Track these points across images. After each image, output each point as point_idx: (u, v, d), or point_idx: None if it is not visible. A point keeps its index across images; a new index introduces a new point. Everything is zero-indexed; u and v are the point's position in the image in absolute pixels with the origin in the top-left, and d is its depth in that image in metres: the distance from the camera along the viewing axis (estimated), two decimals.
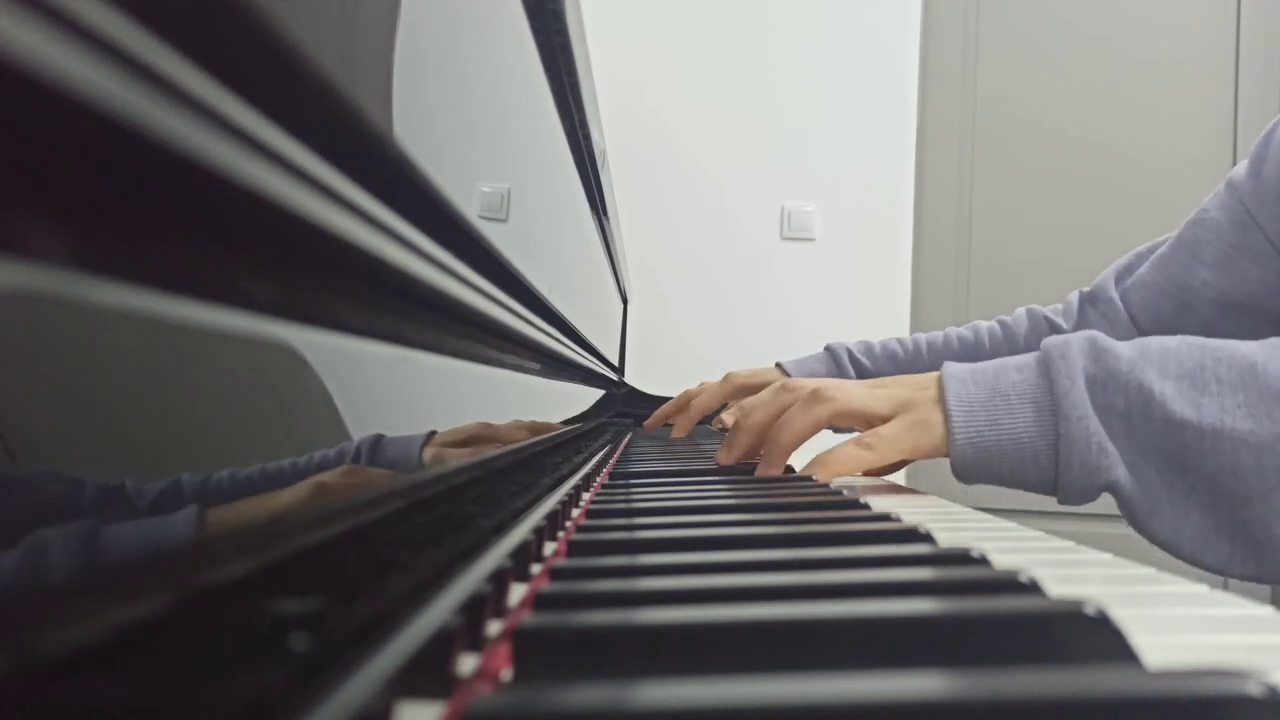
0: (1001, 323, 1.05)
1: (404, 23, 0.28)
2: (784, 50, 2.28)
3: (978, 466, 0.60)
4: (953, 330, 1.07)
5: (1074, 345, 0.59)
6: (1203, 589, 0.31)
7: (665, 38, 2.27)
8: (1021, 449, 0.59)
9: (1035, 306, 1.05)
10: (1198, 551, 0.57)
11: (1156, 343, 0.59)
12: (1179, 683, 0.16)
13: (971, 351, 1.03)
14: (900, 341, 1.08)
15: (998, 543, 0.41)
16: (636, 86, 2.22)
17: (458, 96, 0.37)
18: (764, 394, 0.70)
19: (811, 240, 2.28)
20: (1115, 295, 0.97)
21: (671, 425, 1.13)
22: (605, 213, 1.16)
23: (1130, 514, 0.58)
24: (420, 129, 0.29)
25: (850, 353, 1.08)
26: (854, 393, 0.64)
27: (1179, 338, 0.60)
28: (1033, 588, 0.25)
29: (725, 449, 0.70)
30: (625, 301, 1.81)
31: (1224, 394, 0.56)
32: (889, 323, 2.28)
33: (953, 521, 0.49)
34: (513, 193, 0.48)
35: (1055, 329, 1.01)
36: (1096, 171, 2.34)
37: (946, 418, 0.60)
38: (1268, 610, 0.27)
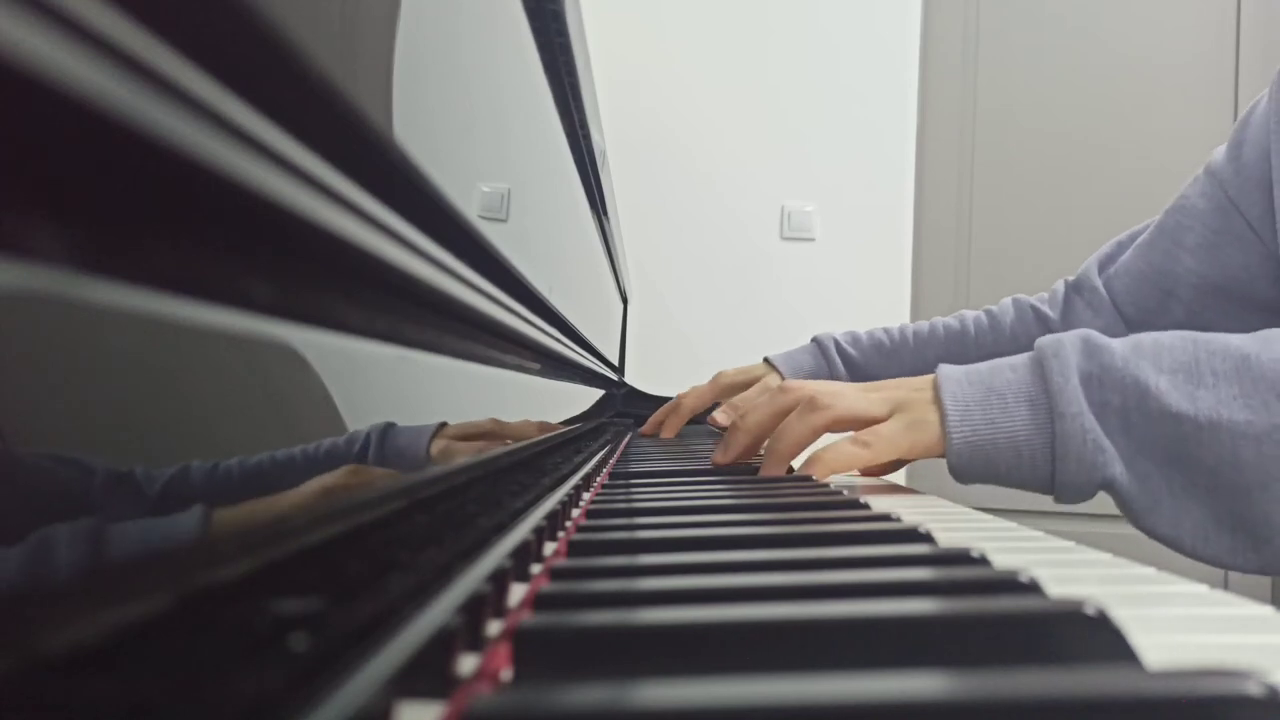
0: (988, 312, 1.06)
1: (404, 23, 0.28)
2: (784, 50, 2.28)
3: (974, 466, 0.60)
4: (939, 320, 1.08)
5: (1067, 344, 0.60)
6: (1203, 589, 0.31)
7: (665, 38, 2.27)
8: (1018, 447, 0.59)
9: (1021, 296, 1.06)
10: (1198, 546, 0.57)
11: (1149, 338, 0.60)
12: (1179, 683, 0.16)
13: (957, 340, 1.04)
14: (886, 331, 1.09)
15: (998, 543, 0.41)
16: (636, 86, 2.22)
17: (458, 96, 0.37)
18: (761, 395, 0.70)
19: (811, 240, 2.28)
20: (1099, 284, 0.98)
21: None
22: (605, 213, 1.16)
23: (1129, 511, 0.59)
24: (420, 129, 0.29)
25: (837, 343, 1.09)
26: (850, 397, 0.64)
27: (1171, 333, 0.60)
28: (1033, 588, 0.25)
29: (722, 449, 0.70)
30: (625, 301, 1.81)
31: (1220, 386, 0.56)
32: (889, 323, 2.27)
33: (953, 521, 0.49)
34: (513, 193, 0.48)
35: (1041, 318, 1.01)
36: (1097, 172, 2.34)
37: (943, 417, 0.60)
38: (1268, 610, 0.27)
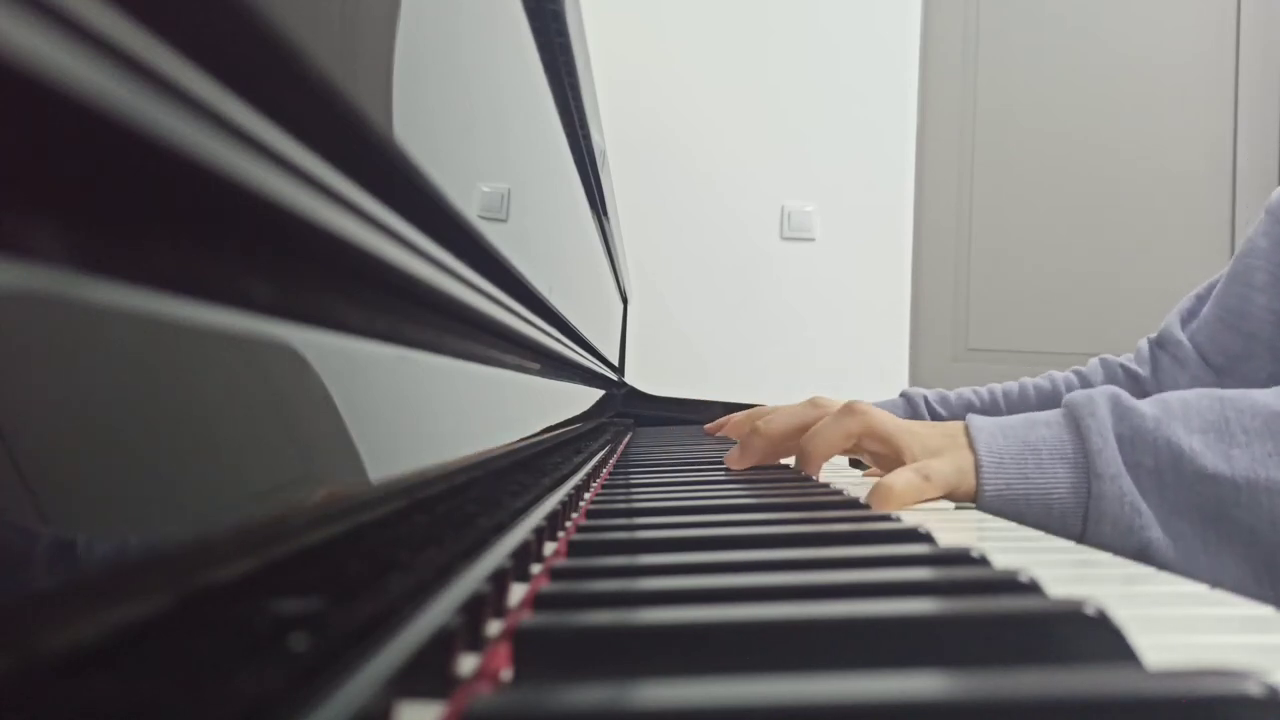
0: (1077, 373, 1.05)
1: (404, 23, 0.28)
2: (784, 50, 2.28)
3: (1003, 518, 0.60)
4: (1028, 381, 1.07)
5: (1100, 403, 0.59)
6: (1202, 588, 0.31)
7: (665, 37, 2.27)
8: (1050, 505, 0.59)
9: (1109, 356, 1.05)
10: None
11: (1175, 398, 0.59)
12: (1179, 683, 0.16)
13: (1049, 401, 1.03)
14: (976, 392, 1.08)
15: (998, 543, 0.41)
16: (635, 86, 2.22)
17: (458, 96, 0.37)
18: (791, 406, 0.70)
19: (811, 240, 2.28)
20: (1183, 338, 0.98)
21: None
22: (605, 213, 1.16)
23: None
24: (420, 129, 0.29)
25: (927, 400, 1.08)
26: (887, 417, 0.64)
27: (1195, 391, 0.60)
28: (1033, 588, 0.25)
29: (740, 453, 0.70)
30: (625, 301, 1.81)
31: (1253, 444, 0.56)
32: (889, 323, 2.28)
33: (953, 521, 0.49)
34: (513, 193, 0.48)
35: (1132, 375, 1.01)
36: (1097, 172, 2.34)
37: (978, 467, 0.60)
38: (1268, 610, 0.27)
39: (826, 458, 0.66)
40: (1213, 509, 0.56)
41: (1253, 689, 0.15)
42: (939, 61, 2.35)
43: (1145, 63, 2.33)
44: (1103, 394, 0.60)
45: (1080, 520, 0.58)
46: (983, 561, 0.29)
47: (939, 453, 0.61)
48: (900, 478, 0.59)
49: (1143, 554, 0.58)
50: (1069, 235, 2.34)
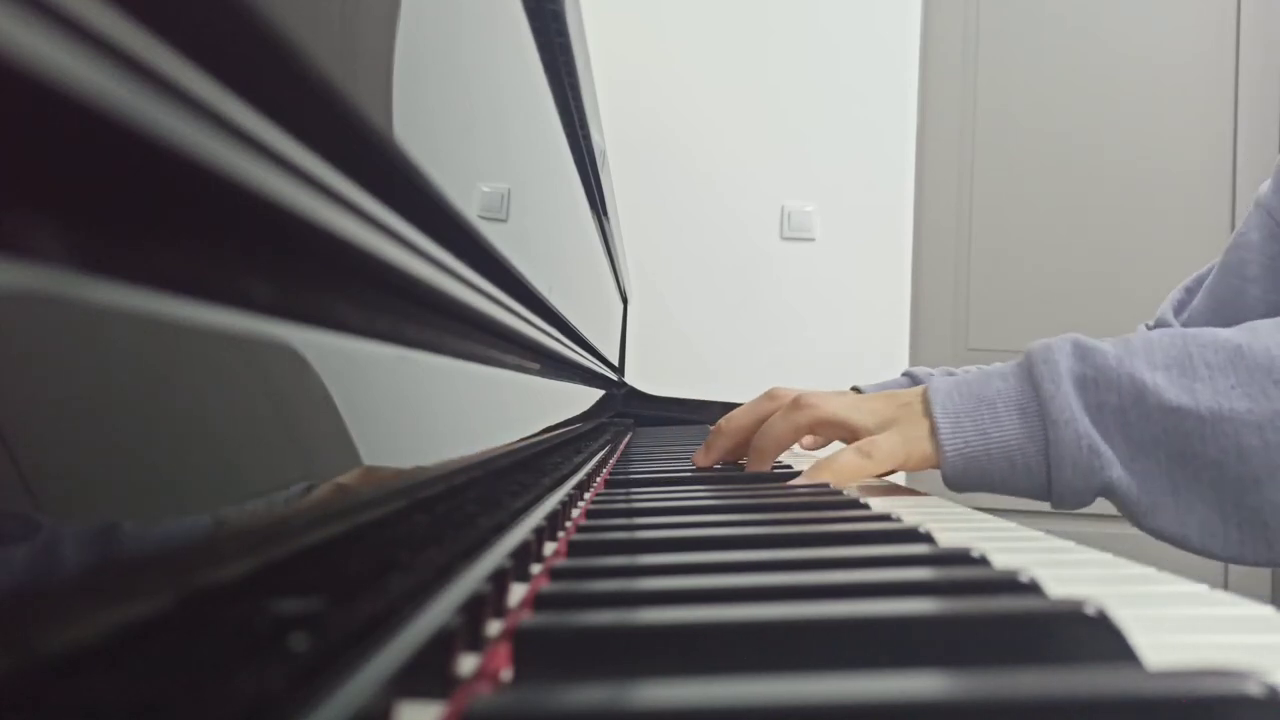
0: None
1: (404, 23, 0.28)
2: (784, 50, 2.28)
3: (969, 477, 0.60)
4: None
5: (1056, 348, 0.60)
6: (1202, 588, 0.31)
7: (665, 37, 2.27)
8: (1011, 457, 0.59)
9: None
10: (1206, 542, 0.57)
11: (1138, 337, 0.60)
12: (1179, 683, 0.16)
13: None
14: (980, 368, 1.08)
15: (998, 543, 0.41)
16: (635, 86, 2.22)
17: (458, 96, 0.37)
18: (751, 401, 0.71)
19: (811, 240, 2.28)
20: (1177, 325, 0.98)
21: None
22: (605, 213, 1.16)
23: (1131, 513, 0.58)
24: (420, 129, 0.29)
25: (932, 378, 1.08)
26: (836, 402, 0.64)
27: (1158, 330, 0.60)
28: (1033, 588, 0.25)
29: (704, 450, 0.70)
30: (625, 301, 1.81)
31: (1215, 378, 0.56)
32: (889, 323, 2.28)
33: (953, 521, 0.49)
34: (513, 193, 0.48)
35: None
36: (1097, 172, 2.34)
37: (934, 430, 0.60)
38: (1268, 610, 0.27)
39: (775, 454, 0.67)
40: (1179, 445, 0.56)
41: (1253, 689, 0.15)
42: (939, 61, 2.35)
43: (1145, 63, 2.33)
44: (1062, 339, 0.60)
45: (1044, 469, 0.58)
46: (983, 561, 0.29)
47: (891, 424, 0.62)
48: (840, 458, 0.60)
49: (1106, 494, 0.58)
50: (1069, 235, 2.33)
